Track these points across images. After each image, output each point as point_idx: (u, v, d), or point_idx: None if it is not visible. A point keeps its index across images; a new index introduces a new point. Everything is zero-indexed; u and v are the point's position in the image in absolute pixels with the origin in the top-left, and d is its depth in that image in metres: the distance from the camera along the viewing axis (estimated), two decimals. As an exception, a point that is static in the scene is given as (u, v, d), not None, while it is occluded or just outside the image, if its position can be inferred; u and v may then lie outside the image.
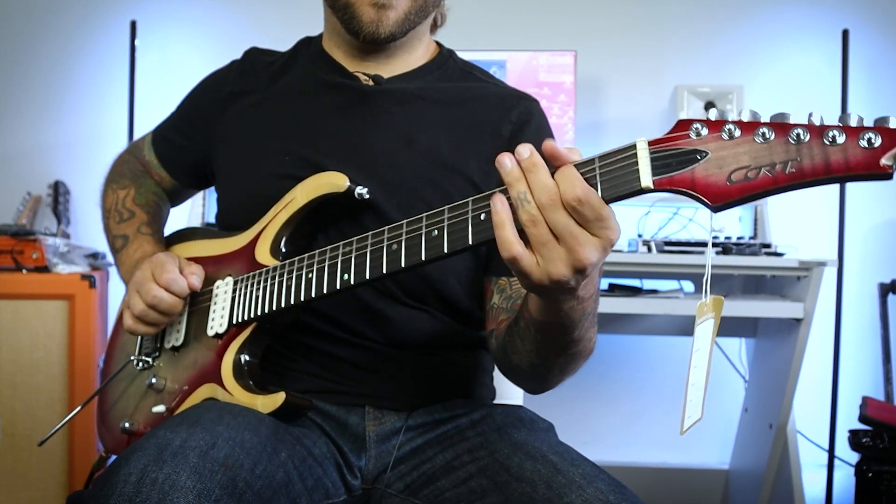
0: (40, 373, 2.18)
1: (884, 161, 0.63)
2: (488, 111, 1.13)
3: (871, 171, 0.63)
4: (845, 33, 2.62)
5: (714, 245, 2.37)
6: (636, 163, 0.72)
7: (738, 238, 2.45)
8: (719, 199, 0.69)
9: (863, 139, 0.63)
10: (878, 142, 0.63)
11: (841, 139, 0.64)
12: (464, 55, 1.24)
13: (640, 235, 2.52)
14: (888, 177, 0.64)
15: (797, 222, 2.77)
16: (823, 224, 2.75)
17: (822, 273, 2.20)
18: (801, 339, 2.24)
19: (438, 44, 1.23)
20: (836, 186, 2.63)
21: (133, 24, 2.71)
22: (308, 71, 1.18)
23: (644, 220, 2.61)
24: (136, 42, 2.71)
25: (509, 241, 0.75)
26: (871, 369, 2.79)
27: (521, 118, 1.13)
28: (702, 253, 2.32)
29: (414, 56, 1.17)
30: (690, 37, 2.86)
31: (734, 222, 2.74)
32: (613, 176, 0.73)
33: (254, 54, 1.24)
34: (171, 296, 1.07)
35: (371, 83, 1.13)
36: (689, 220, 2.64)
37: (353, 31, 1.08)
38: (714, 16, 2.86)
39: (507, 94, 1.17)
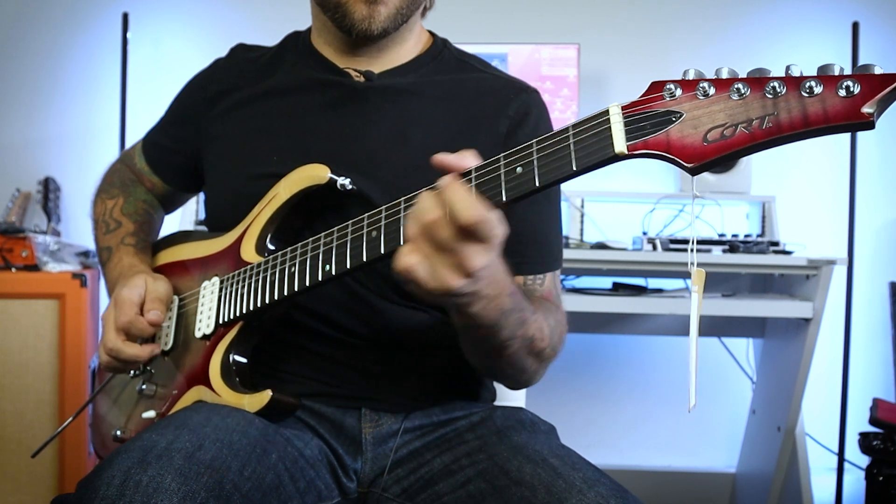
0: (30, 374, 2.18)
1: (865, 109, 0.62)
2: (485, 105, 1.12)
3: (851, 121, 0.62)
4: (855, 26, 2.62)
5: (721, 243, 2.37)
6: (609, 129, 0.72)
7: (746, 236, 2.45)
8: (695, 160, 0.68)
9: (841, 88, 0.63)
10: (856, 89, 0.62)
11: (818, 90, 0.64)
12: (464, 48, 1.23)
13: (644, 233, 2.52)
14: (870, 126, 0.63)
15: (806, 220, 2.77)
16: (833, 221, 2.75)
17: (831, 272, 2.20)
18: (809, 340, 2.24)
19: (432, 33, 1.22)
20: (847, 182, 2.63)
21: (125, 17, 2.70)
22: (297, 68, 1.18)
23: (649, 217, 2.61)
24: (129, 35, 2.71)
25: (403, 251, 0.78)
26: (881, 370, 2.79)
27: (518, 112, 1.12)
28: (708, 251, 2.32)
29: (405, 48, 1.16)
30: (697, 30, 2.86)
31: (741, 220, 2.73)
32: (586, 144, 0.73)
33: (239, 51, 1.24)
34: (129, 345, 1.07)
35: (362, 79, 1.13)
36: (696, 217, 2.64)
37: (346, 28, 1.08)
38: (721, 8, 2.86)
39: (505, 87, 1.15)
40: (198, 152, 1.21)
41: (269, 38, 1.28)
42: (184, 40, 2.85)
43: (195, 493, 0.79)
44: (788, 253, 2.32)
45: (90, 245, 2.52)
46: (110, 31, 2.79)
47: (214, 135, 1.17)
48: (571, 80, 2.59)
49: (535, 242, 1.11)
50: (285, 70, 1.18)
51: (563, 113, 2.56)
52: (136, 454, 0.82)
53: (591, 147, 0.73)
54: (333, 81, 1.14)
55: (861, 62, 2.64)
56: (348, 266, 0.90)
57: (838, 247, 2.67)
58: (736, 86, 0.67)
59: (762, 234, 2.59)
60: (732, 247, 2.31)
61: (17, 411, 2.17)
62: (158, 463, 0.81)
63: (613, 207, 2.72)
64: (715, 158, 0.68)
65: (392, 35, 1.12)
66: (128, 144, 2.60)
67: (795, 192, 2.74)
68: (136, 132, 2.53)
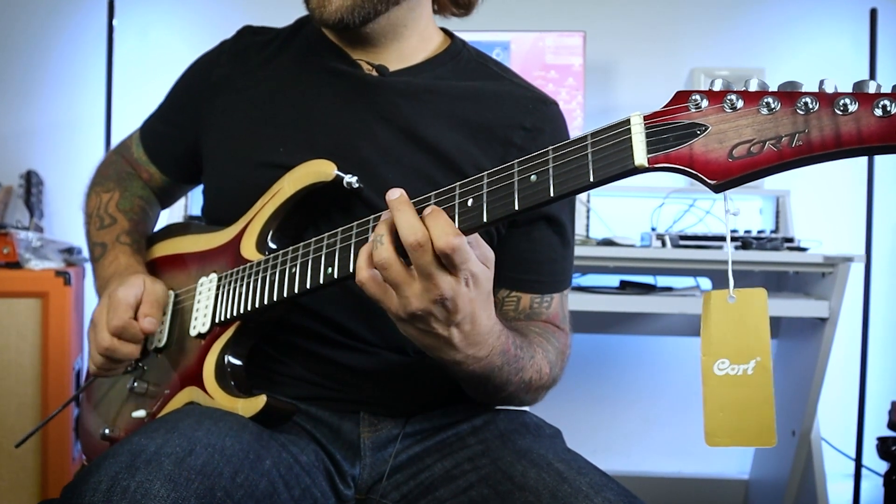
0: (11, 376, 2.18)
1: None
2: (501, 114, 1.12)
3: (886, 143, 0.61)
4: (873, 12, 2.62)
5: (733, 239, 2.37)
6: (630, 139, 0.71)
7: (759, 232, 2.45)
8: (720, 177, 0.67)
9: (877, 107, 0.61)
10: (894, 109, 0.61)
11: (853, 108, 0.62)
12: (464, 36, 1.23)
13: (653, 229, 2.52)
14: None
15: (822, 215, 2.77)
16: (850, 217, 2.75)
17: (848, 269, 2.19)
18: (826, 340, 2.24)
19: (449, 33, 1.22)
20: (864, 176, 2.63)
21: (111, 4, 2.70)
22: (306, 54, 1.17)
23: (658, 212, 2.61)
24: (114, 22, 2.70)
25: (358, 266, 0.84)
26: (900, 372, 2.79)
27: (535, 126, 1.12)
28: (720, 248, 2.32)
29: (409, 45, 1.15)
30: (707, 16, 2.86)
31: (754, 215, 2.73)
32: (605, 155, 0.72)
33: (247, 35, 1.22)
34: (124, 344, 1.08)
35: (374, 73, 1.12)
36: (707, 212, 2.64)
37: (312, 18, 1.09)
38: (733, -7, 2.86)
39: (524, 97, 1.15)
40: (198, 140, 1.20)
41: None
42: (172, 29, 2.85)
43: (185, 500, 0.80)
44: (803, 250, 2.32)
45: (74, 241, 2.53)
46: (95, 18, 2.79)
47: (217, 122, 1.17)
48: (577, 70, 2.58)
49: (550, 261, 1.12)
50: (293, 55, 1.17)
51: (568, 104, 2.56)
52: (124, 458, 0.83)
53: (609, 158, 0.72)
54: (345, 72, 1.13)
55: (879, 50, 2.64)
56: (351, 270, 0.89)
57: (855, 243, 2.67)
58: (766, 99, 0.65)
59: (776, 230, 2.59)
60: (745, 243, 2.31)
61: (-2, 415, 2.17)
62: (147, 468, 0.81)
63: (620, 202, 2.72)
64: (740, 176, 0.67)
65: (384, 29, 1.11)
66: (113, 137, 2.61)
67: (811, 186, 2.74)
68: (122, 124, 2.54)
